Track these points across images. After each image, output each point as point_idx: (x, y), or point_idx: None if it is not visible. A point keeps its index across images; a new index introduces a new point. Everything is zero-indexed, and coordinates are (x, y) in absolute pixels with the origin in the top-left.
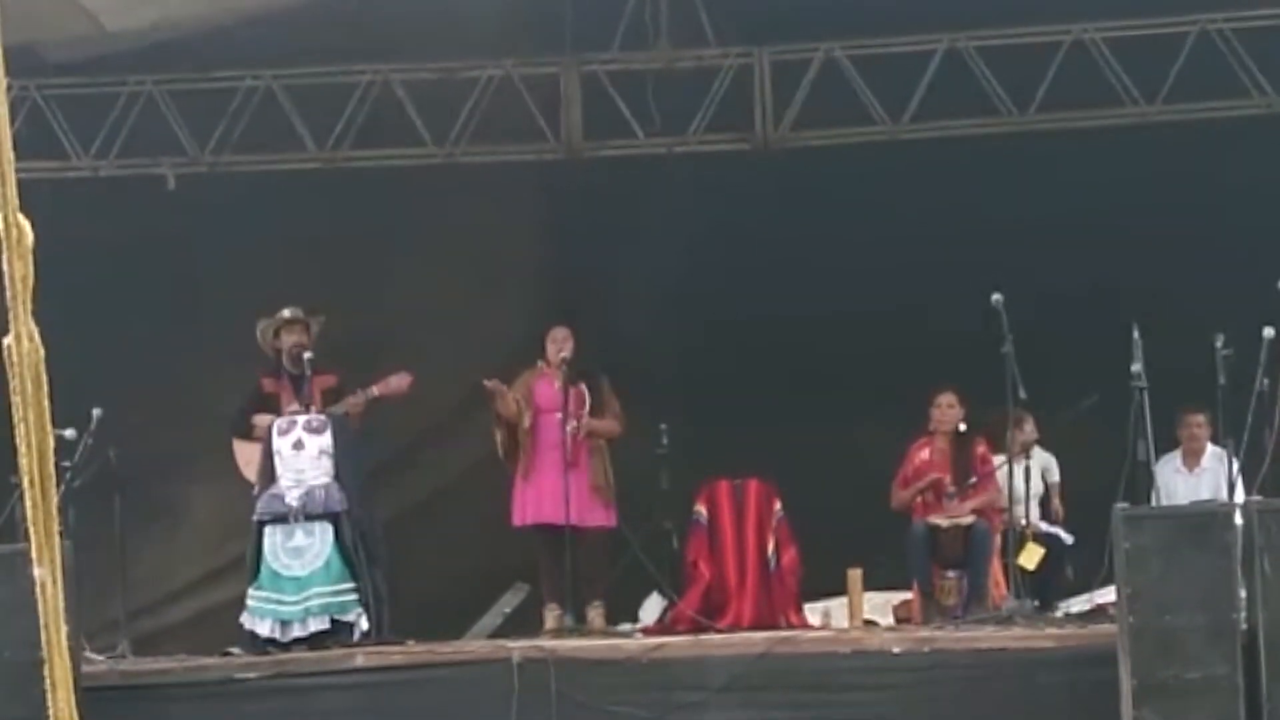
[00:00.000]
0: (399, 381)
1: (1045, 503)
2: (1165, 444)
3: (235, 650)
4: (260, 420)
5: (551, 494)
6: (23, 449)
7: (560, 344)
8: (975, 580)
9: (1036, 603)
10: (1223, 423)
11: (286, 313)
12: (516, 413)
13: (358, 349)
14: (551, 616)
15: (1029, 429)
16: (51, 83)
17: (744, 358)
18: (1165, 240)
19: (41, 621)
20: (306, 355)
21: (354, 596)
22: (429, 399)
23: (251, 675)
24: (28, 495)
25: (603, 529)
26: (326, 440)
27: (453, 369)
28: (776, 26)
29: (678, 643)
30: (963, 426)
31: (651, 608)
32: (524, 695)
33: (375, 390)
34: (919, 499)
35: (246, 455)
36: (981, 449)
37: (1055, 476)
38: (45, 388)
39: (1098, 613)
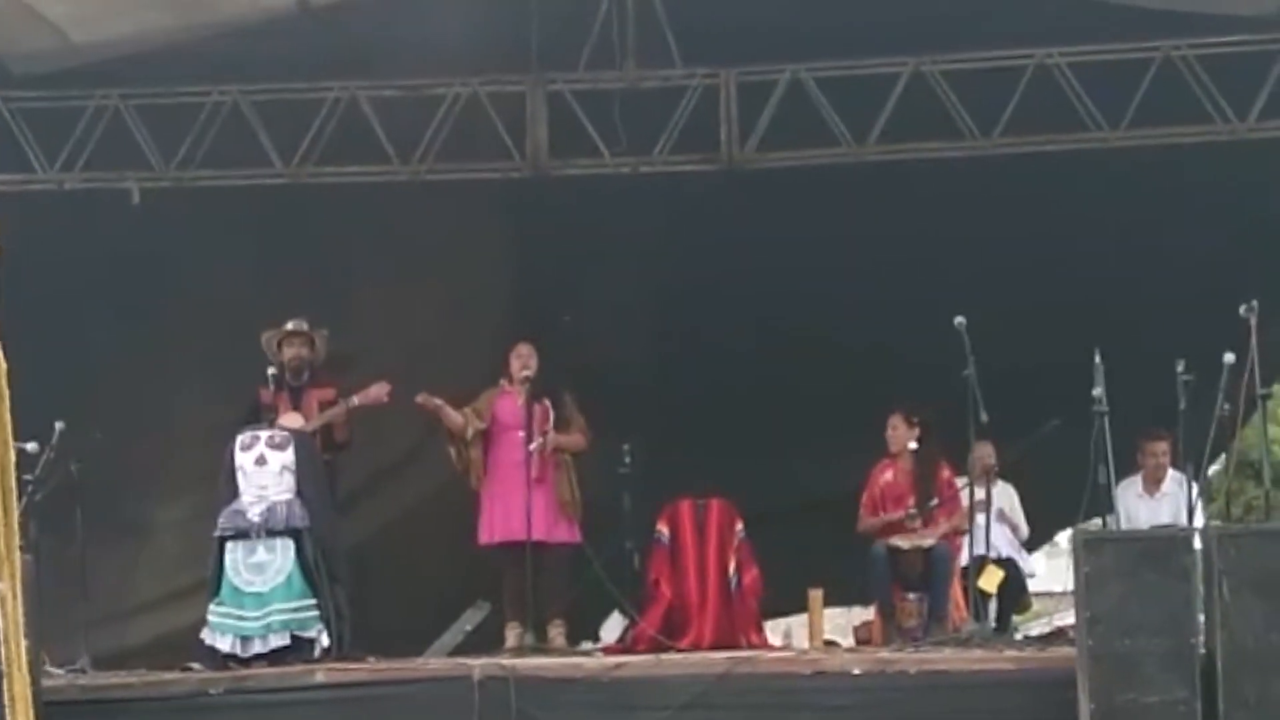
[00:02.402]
0: (378, 390)
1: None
2: (1126, 468)
3: (196, 666)
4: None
5: (518, 511)
6: None
7: (524, 360)
8: (936, 602)
9: (995, 625)
10: (1183, 448)
11: (290, 325)
12: (462, 425)
13: (324, 367)
14: (513, 634)
15: (983, 451)
16: (16, 95)
17: (707, 378)
18: (1128, 265)
19: (1, 636)
20: (270, 371)
21: (315, 613)
22: (396, 417)
23: (212, 691)
24: None
25: (567, 545)
26: (289, 456)
27: (419, 388)
28: (743, 47)
29: (638, 662)
30: (913, 445)
31: (612, 627)
32: (484, 713)
33: (355, 400)
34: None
35: None
36: (946, 472)
37: (1012, 514)
38: (7, 400)
39: (1057, 636)
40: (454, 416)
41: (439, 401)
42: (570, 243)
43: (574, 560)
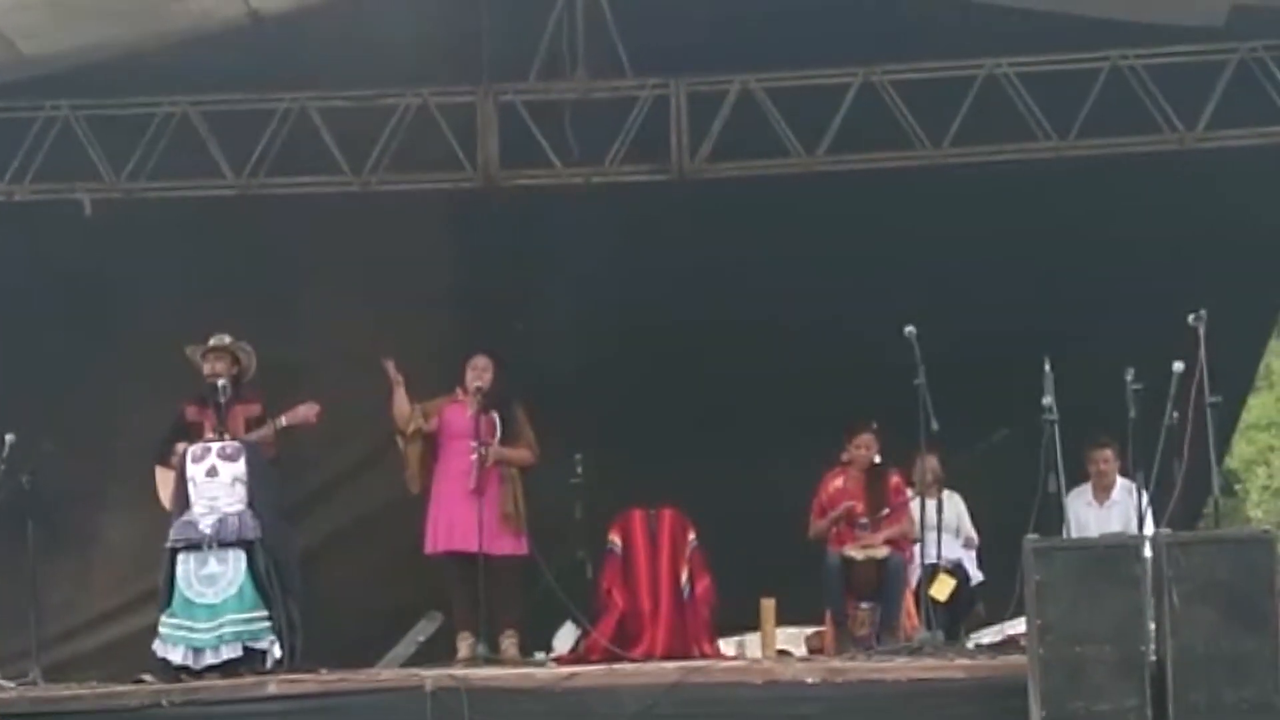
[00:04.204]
0: (306, 411)
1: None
2: (1076, 477)
3: (148, 677)
4: (180, 447)
5: (462, 521)
6: None
7: (479, 373)
8: (888, 611)
9: (944, 634)
10: (1133, 456)
11: (212, 340)
12: (407, 414)
13: (274, 379)
14: (465, 645)
15: (931, 461)
16: None
17: (659, 388)
18: (1078, 274)
19: None
20: (220, 382)
21: (267, 624)
22: (348, 428)
23: (164, 702)
24: None
25: (512, 557)
26: (240, 467)
27: (370, 400)
28: (693, 58)
29: (591, 672)
30: (877, 459)
31: (565, 637)
32: None
33: (284, 420)
34: (834, 529)
35: (168, 483)
36: (895, 480)
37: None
38: None
39: (1008, 644)
40: (403, 402)
41: (399, 378)
42: (521, 253)
43: (522, 572)
